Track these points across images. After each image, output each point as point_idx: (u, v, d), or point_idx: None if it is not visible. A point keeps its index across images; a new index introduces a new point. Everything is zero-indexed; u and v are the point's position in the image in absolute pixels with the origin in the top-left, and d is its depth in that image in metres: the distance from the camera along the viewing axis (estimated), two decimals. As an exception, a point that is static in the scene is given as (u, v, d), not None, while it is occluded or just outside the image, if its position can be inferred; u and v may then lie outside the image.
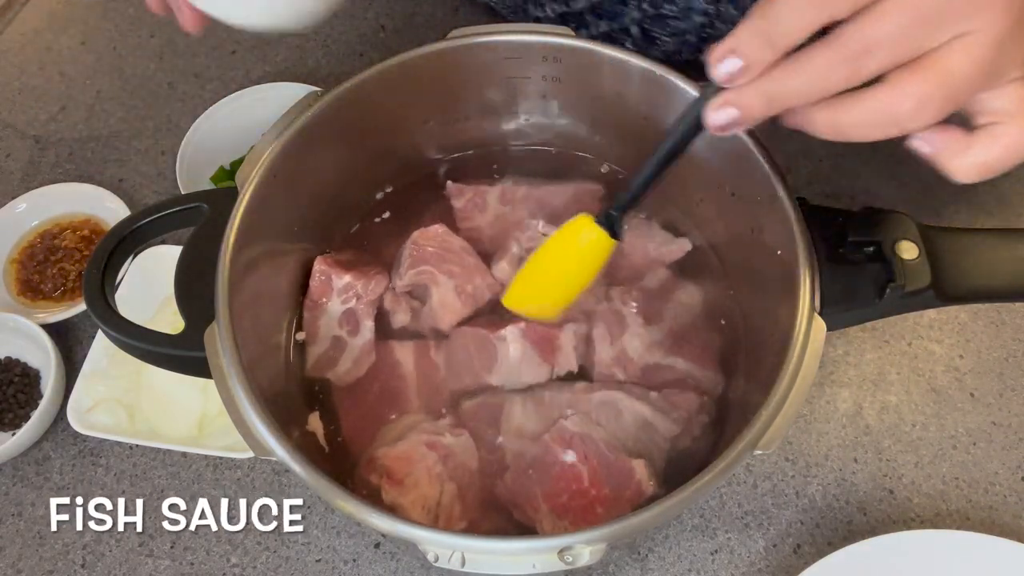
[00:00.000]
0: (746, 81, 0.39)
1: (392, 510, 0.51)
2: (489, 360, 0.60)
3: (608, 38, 0.77)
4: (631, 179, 0.49)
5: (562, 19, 0.79)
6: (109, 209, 0.79)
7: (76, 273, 0.76)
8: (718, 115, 0.41)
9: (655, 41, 0.77)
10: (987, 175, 0.41)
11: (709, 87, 0.41)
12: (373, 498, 0.54)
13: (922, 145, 0.41)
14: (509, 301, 0.57)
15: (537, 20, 0.80)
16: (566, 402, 0.59)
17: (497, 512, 0.56)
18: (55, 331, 0.72)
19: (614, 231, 0.52)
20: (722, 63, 0.39)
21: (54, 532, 0.65)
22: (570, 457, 0.56)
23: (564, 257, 0.54)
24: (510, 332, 0.60)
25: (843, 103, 0.39)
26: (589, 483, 0.55)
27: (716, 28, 0.74)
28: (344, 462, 0.58)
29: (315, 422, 0.60)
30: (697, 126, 0.43)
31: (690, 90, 0.58)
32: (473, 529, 0.56)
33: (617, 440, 0.57)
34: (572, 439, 0.56)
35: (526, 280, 0.56)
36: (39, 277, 0.76)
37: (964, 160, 0.41)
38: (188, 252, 0.54)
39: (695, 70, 0.60)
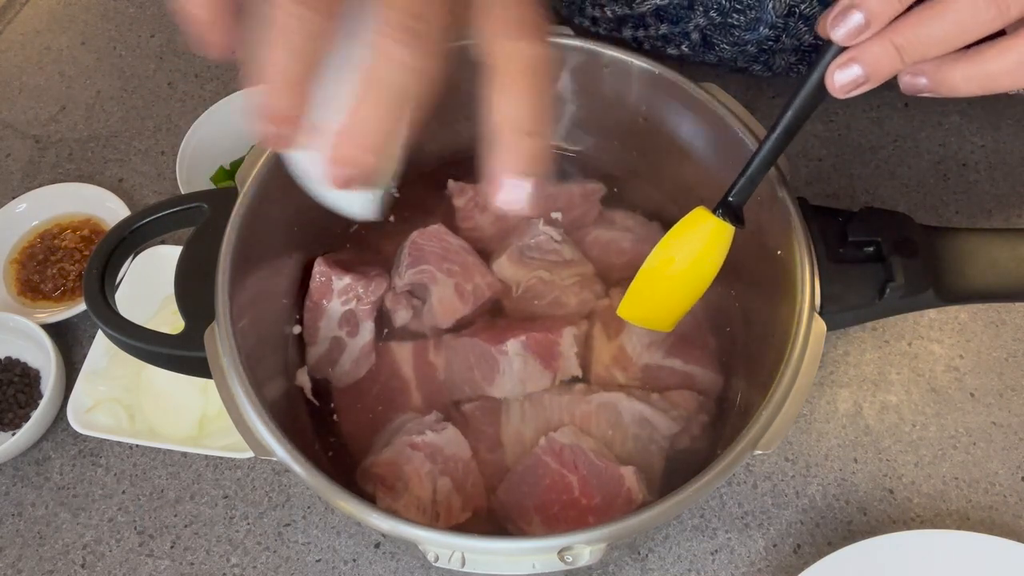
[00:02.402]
0: (872, 33, 0.36)
1: (390, 513, 0.51)
2: (491, 372, 0.60)
3: (665, 39, 0.75)
4: (748, 162, 0.47)
5: (620, 21, 0.77)
6: (109, 209, 0.79)
7: (76, 273, 0.76)
8: (843, 74, 0.38)
9: (713, 47, 0.74)
10: (988, 88, 0.38)
11: (831, 48, 0.39)
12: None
13: None
14: (625, 312, 0.54)
15: (594, 20, 0.78)
16: (566, 405, 0.59)
17: (491, 526, 0.56)
18: (55, 331, 0.72)
19: (736, 219, 0.49)
20: (843, 21, 0.36)
21: (54, 532, 0.65)
22: (559, 468, 0.56)
23: (685, 258, 0.51)
24: (511, 346, 0.60)
25: (989, 52, 0.36)
26: (580, 493, 0.55)
27: (781, 42, 0.71)
28: (344, 463, 0.58)
29: (302, 377, 0.60)
30: (820, 92, 0.40)
31: (690, 90, 0.58)
32: (480, 516, 0.56)
33: (609, 447, 0.57)
34: (562, 450, 0.56)
35: (643, 289, 0.54)
36: (39, 277, 0.76)
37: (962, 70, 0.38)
38: (188, 252, 0.54)
39: (744, 75, 0.59)
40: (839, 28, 0.37)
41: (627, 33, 0.77)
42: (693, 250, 0.51)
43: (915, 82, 0.39)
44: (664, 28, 0.74)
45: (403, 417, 0.59)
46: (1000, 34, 0.37)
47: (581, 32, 0.60)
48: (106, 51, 0.93)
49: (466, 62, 0.63)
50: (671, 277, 0.52)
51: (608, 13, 0.76)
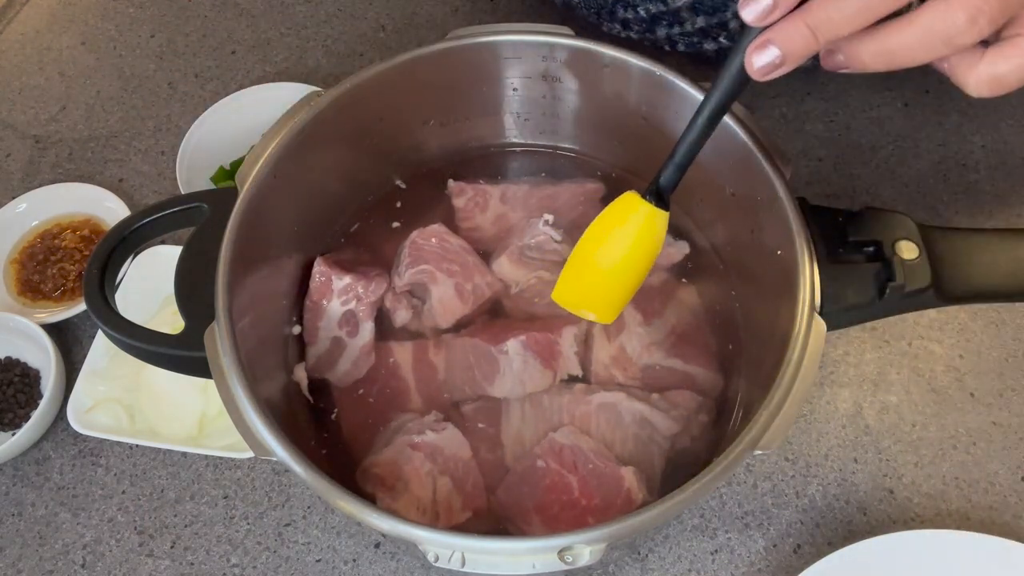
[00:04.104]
0: (781, 14, 0.38)
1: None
2: (491, 373, 0.60)
3: (702, 33, 0.74)
4: (676, 146, 0.47)
5: (653, 20, 0.75)
6: (109, 209, 0.79)
7: (76, 273, 0.76)
8: (760, 57, 0.39)
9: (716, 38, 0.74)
10: (1001, 90, 0.40)
11: (749, 32, 0.40)
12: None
13: (940, 59, 0.40)
14: (559, 297, 0.53)
15: (624, 23, 0.77)
16: (566, 405, 0.59)
17: (491, 526, 0.56)
18: (55, 331, 0.72)
19: (664, 204, 0.49)
20: (752, 2, 0.38)
21: (54, 532, 0.65)
22: (559, 468, 0.56)
23: (615, 240, 0.50)
24: (511, 345, 0.60)
25: (891, 28, 0.38)
26: (579, 493, 0.55)
27: None
28: (344, 463, 0.58)
29: (300, 372, 0.61)
30: (741, 77, 0.41)
31: (690, 89, 0.58)
32: (480, 516, 0.56)
33: (610, 447, 0.57)
34: (562, 451, 0.56)
35: (576, 271, 0.52)
36: (39, 277, 0.76)
37: (977, 72, 0.40)
38: (188, 252, 0.54)
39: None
40: (749, 9, 0.38)
41: (661, 32, 0.76)
42: (625, 235, 0.50)
43: (833, 59, 0.41)
44: (701, 21, 0.73)
45: (403, 417, 0.59)
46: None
47: (614, 40, 0.59)
48: (106, 51, 0.93)
49: (467, 62, 0.64)
50: (605, 262, 0.51)
51: (641, 12, 0.75)
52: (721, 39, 0.74)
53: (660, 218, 0.49)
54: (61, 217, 0.79)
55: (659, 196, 0.49)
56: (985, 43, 0.40)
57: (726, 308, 0.63)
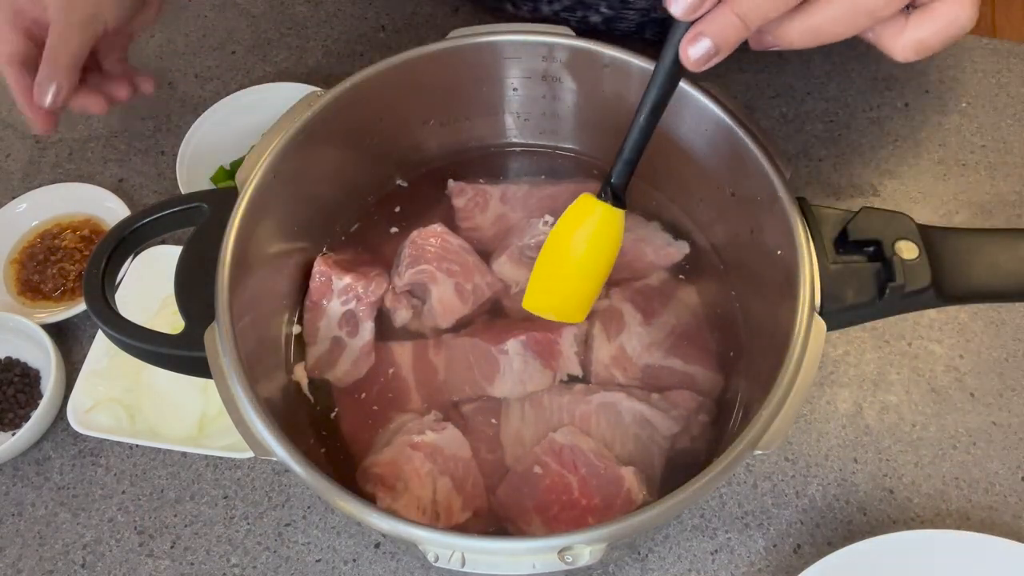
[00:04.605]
0: (709, 7, 0.39)
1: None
2: (491, 372, 0.60)
3: (583, 6, 0.77)
4: (623, 144, 0.48)
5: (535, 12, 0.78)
6: (109, 209, 0.79)
7: (76, 273, 0.76)
8: (694, 49, 0.40)
9: (623, 20, 0.76)
10: (925, 53, 0.42)
11: (679, 26, 0.41)
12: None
13: (864, 30, 0.42)
14: (529, 304, 0.54)
15: (514, 3, 0.79)
16: (566, 405, 0.59)
17: (491, 526, 0.56)
18: (55, 331, 0.72)
19: (619, 201, 0.51)
20: None
21: (54, 532, 0.65)
22: (559, 468, 0.56)
23: (576, 243, 0.52)
24: (511, 345, 0.60)
25: (816, 5, 0.40)
26: (579, 493, 0.55)
27: None
28: (344, 463, 0.58)
29: (300, 372, 0.61)
30: (676, 70, 0.42)
31: (689, 89, 0.58)
32: (480, 516, 0.56)
33: (610, 447, 0.57)
34: (561, 451, 0.56)
35: (542, 277, 0.54)
36: (39, 277, 0.76)
37: (901, 39, 0.42)
38: (188, 252, 0.54)
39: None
40: (676, 5, 0.39)
41: (545, 9, 0.78)
42: (584, 235, 0.52)
43: (761, 40, 0.42)
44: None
45: (403, 417, 0.59)
46: None
47: (614, 40, 0.60)
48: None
49: (467, 62, 0.64)
50: (569, 265, 0.53)
51: (549, 11, 0.77)
52: (603, 9, 0.75)
53: (616, 216, 0.51)
54: (61, 217, 0.79)
55: (614, 195, 0.50)
56: (905, 9, 0.42)
57: (726, 308, 0.63)
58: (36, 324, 0.70)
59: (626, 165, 0.49)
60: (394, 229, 0.68)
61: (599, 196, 0.51)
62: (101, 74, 0.72)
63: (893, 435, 0.66)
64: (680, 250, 0.65)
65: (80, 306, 0.73)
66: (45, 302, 0.75)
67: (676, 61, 0.42)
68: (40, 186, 0.81)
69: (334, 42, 0.91)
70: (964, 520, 0.63)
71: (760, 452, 0.47)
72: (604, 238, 0.52)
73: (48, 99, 0.65)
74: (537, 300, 0.54)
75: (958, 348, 0.70)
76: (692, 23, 0.40)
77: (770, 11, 0.39)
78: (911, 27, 0.42)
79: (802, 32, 0.41)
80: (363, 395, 0.61)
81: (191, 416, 0.67)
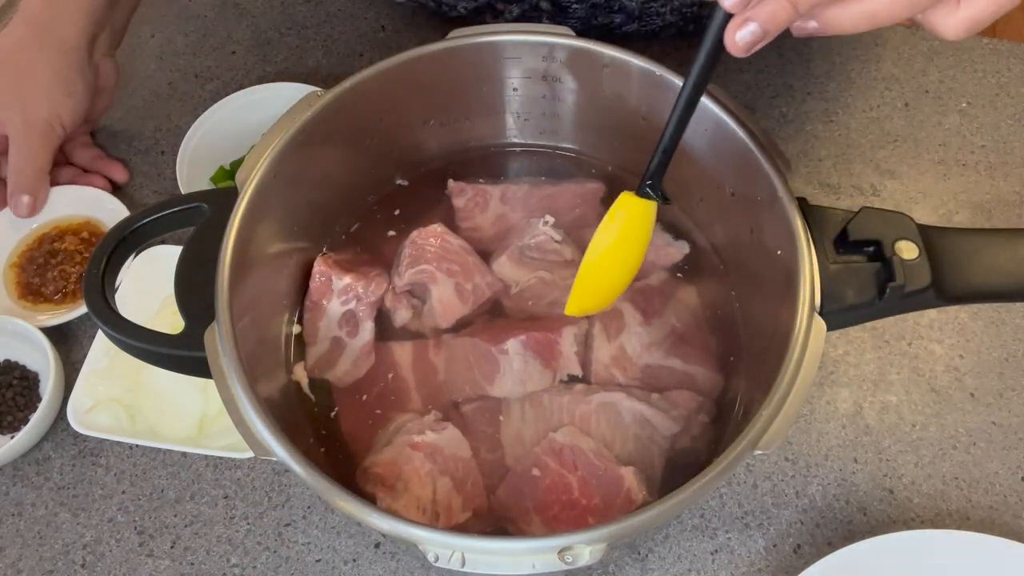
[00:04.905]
0: None
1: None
2: (491, 372, 0.60)
3: (524, 19, 0.77)
4: (660, 138, 0.49)
5: (476, 12, 0.78)
6: (109, 210, 0.79)
7: (77, 275, 0.76)
8: (742, 34, 0.39)
9: (567, 11, 0.76)
10: (976, 29, 0.42)
11: (719, 11, 0.40)
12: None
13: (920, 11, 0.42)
14: (572, 311, 0.56)
15: (459, 17, 0.79)
16: (566, 405, 0.59)
17: (491, 526, 0.56)
18: (55, 331, 0.72)
19: (659, 195, 0.52)
20: None
21: (54, 532, 0.65)
22: (559, 468, 0.56)
23: (617, 243, 0.54)
24: (511, 345, 0.60)
25: None
26: (579, 493, 0.55)
27: None
28: (344, 463, 0.58)
29: (300, 371, 0.61)
30: (716, 54, 0.42)
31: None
32: (480, 516, 0.56)
33: (610, 447, 0.57)
34: (561, 451, 0.56)
35: (586, 285, 0.56)
36: (40, 280, 0.76)
37: (954, 17, 0.42)
38: (188, 252, 0.54)
39: (610, 39, 0.61)
40: None
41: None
42: (624, 230, 0.54)
43: (805, 26, 0.41)
44: (515, 9, 0.76)
45: (403, 417, 0.59)
46: None
47: (613, 40, 0.61)
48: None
49: (467, 62, 0.64)
50: (609, 260, 0.54)
51: (461, 10, 0.77)
52: (543, 21, 0.75)
53: (649, 208, 0.53)
54: (60, 220, 0.79)
55: (651, 186, 0.52)
56: None
57: (726, 308, 0.63)
58: (35, 327, 0.70)
59: (664, 154, 0.50)
60: (393, 230, 0.68)
61: (639, 192, 0.52)
62: (72, 168, 0.80)
63: (893, 435, 0.66)
64: (680, 250, 0.65)
65: (82, 308, 0.73)
66: (46, 305, 0.75)
67: (717, 46, 0.41)
68: (40, 187, 0.81)
69: (334, 42, 0.91)
70: (964, 520, 0.63)
71: (760, 452, 0.47)
72: (637, 231, 0.54)
73: (24, 211, 0.75)
74: (580, 305, 0.56)
75: (958, 348, 0.70)
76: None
77: None
78: (965, 4, 0.41)
79: (856, 16, 0.40)
80: (363, 395, 0.61)
81: (191, 416, 0.67)
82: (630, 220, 0.53)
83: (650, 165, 0.51)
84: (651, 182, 0.52)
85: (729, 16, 0.40)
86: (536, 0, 0.75)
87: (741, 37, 0.40)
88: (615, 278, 0.55)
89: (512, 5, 0.76)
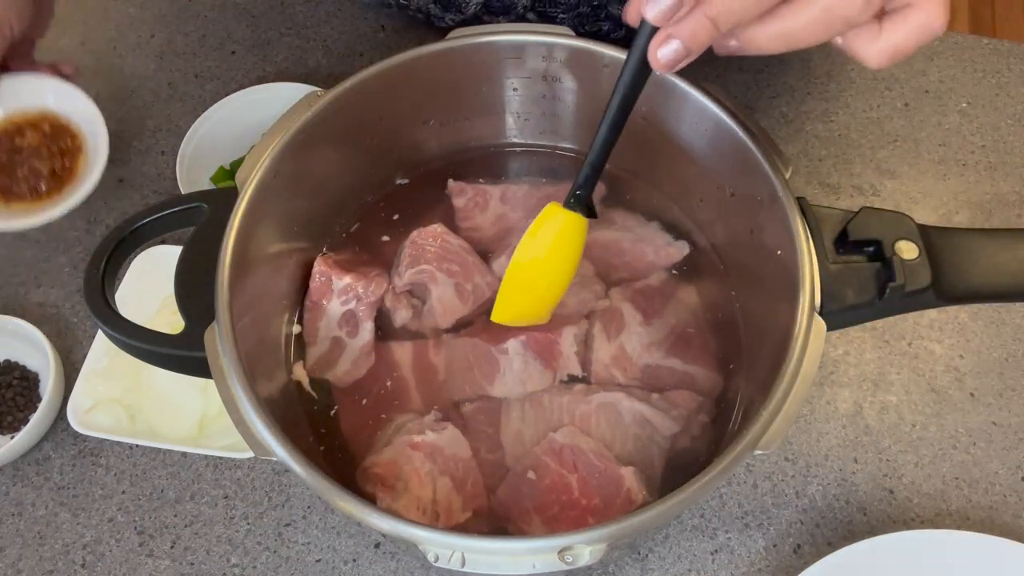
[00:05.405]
0: (686, 13, 0.39)
1: (390, 513, 0.51)
2: (491, 372, 0.60)
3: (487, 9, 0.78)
4: (589, 151, 0.49)
5: (463, 24, 0.77)
6: (65, 99, 0.73)
7: (49, 170, 0.71)
8: (664, 51, 0.40)
9: (554, 20, 0.77)
10: (898, 58, 0.42)
11: (645, 27, 0.41)
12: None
13: (836, 37, 0.42)
14: (498, 317, 0.57)
15: (447, 27, 0.79)
16: (566, 405, 0.59)
17: (491, 526, 0.56)
18: (55, 331, 0.72)
19: (588, 210, 0.52)
20: (655, 2, 0.39)
21: (54, 532, 0.65)
22: (559, 468, 0.56)
23: (545, 255, 0.54)
24: (512, 345, 0.60)
25: (789, 10, 0.39)
26: (579, 494, 0.55)
27: None
28: (344, 463, 0.58)
29: (299, 371, 0.61)
30: (642, 71, 0.42)
31: (690, 90, 0.58)
32: (480, 516, 0.56)
33: (610, 447, 0.57)
34: (561, 451, 0.56)
35: (511, 291, 0.56)
36: (9, 180, 0.71)
37: (876, 45, 0.42)
38: (188, 252, 0.54)
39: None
40: (651, 6, 0.39)
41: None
42: (548, 242, 0.54)
43: (726, 44, 0.42)
44: (502, 21, 0.76)
45: (403, 417, 0.59)
46: None
47: (614, 41, 0.61)
48: (106, 51, 0.93)
49: (467, 62, 0.64)
50: (536, 272, 0.55)
51: (448, 22, 0.78)
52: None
53: (581, 224, 0.53)
54: (13, 114, 0.73)
55: (582, 204, 0.52)
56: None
57: (726, 308, 0.63)
58: (35, 327, 0.70)
59: (591, 173, 0.51)
60: (393, 231, 0.68)
61: (566, 204, 0.53)
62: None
63: (893, 435, 0.66)
64: (680, 250, 0.65)
65: (61, 208, 0.69)
66: (20, 204, 0.70)
67: (643, 62, 0.42)
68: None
69: (334, 42, 0.91)
70: (964, 520, 0.63)
71: (760, 452, 0.47)
72: (567, 243, 0.54)
73: None
74: (507, 312, 0.57)
75: (958, 348, 0.70)
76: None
77: (743, 15, 0.39)
78: (886, 33, 0.41)
79: (772, 37, 0.40)
80: (363, 395, 0.61)
81: (191, 416, 0.67)
82: (559, 233, 0.53)
83: (578, 178, 0.51)
84: (579, 193, 0.52)
85: (653, 31, 0.40)
86: (523, 12, 0.75)
87: (663, 54, 0.40)
88: (544, 290, 0.56)
89: (499, 18, 0.76)
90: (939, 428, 0.67)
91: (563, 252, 0.54)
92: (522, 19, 0.77)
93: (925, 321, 0.71)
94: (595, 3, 0.75)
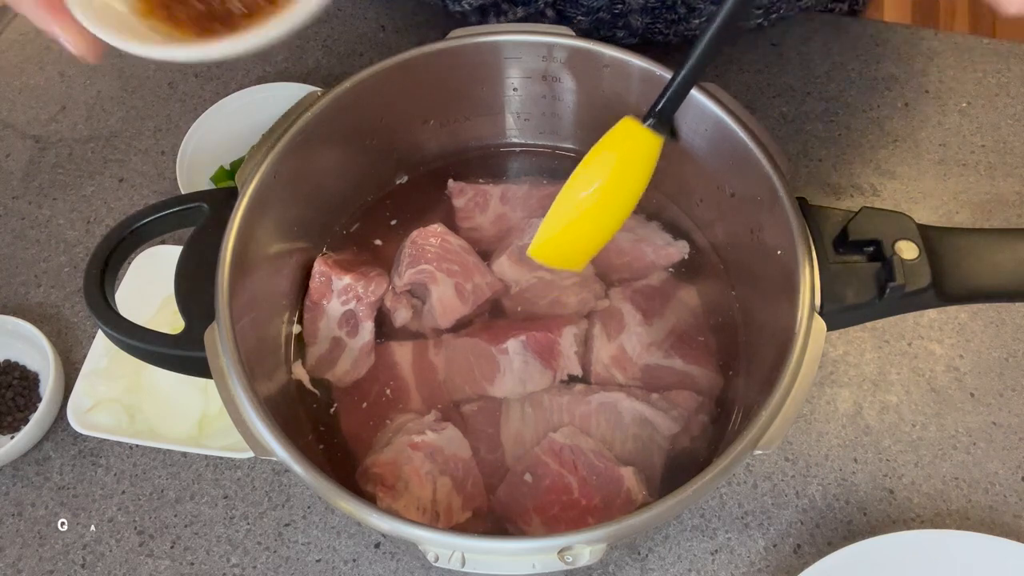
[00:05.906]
0: None
1: (391, 513, 0.51)
2: (491, 372, 0.60)
3: (527, 21, 0.77)
4: (684, 61, 0.43)
5: (481, 11, 0.78)
6: None
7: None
8: None
9: (571, 21, 0.76)
10: None
11: None
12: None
13: None
14: (536, 252, 0.50)
15: (461, 13, 0.79)
16: (566, 405, 0.59)
17: (491, 526, 0.56)
18: (55, 332, 0.72)
19: (667, 129, 0.45)
20: None
21: (54, 532, 0.65)
22: (559, 468, 0.56)
23: (609, 182, 0.46)
24: (512, 345, 0.60)
25: None
26: (579, 494, 0.55)
27: (626, 3, 0.73)
28: (344, 463, 0.58)
29: (299, 371, 0.61)
30: None
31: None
32: (480, 516, 0.56)
33: (610, 447, 0.57)
34: (561, 451, 0.56)
35: (557, 221, 0.48)
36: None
37: None
38: (188, 252, 0.54)
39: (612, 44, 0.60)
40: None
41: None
42: (615, 165, 0.46)
43: None
44: (520, 11, 0.75)
45: (403, 417, 0.59)
46: None
47: (615, 41, 0.60)
48: (106, 51, 0.93)
49: (467, 62, 0.64)
50: (593, 201, 0.47)
51: (465, 5, 0.76)
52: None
53: (654, 144, 0.46)
54: None
55: (662, 118, 0.45)
56: None
57: (726, 308, 0.63)
58: (34, 327, 0.70)
59: (686, 80, 0.43)
60: (394, 228, 0.68)
61: (645, 120, 0.46)
62: None
63: (893, 435, 0.66)
64: (680, 250, 0.65)
65: (235, 46, 0.46)
66: (173, 31, 0.50)
67: None
68: (40, 186, 0.81)
69: (334, 42, 0.91)
70: (964, 520, 0.63)
71: (760, 452, 0.47)
72: (640, 175, 0.46)
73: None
74: (544, 248, 0.50)
75: (958, 348, 0.70)
76: None
77: None
78: None
79: None
80: (363, 395, 0.61)
81: (191, 416, 0.67)
82: (629, 155, 0.45)
83: (668, 89, 0.44)
84: (665, 106, 0.44)
85: None
86: (541, 7, 0.75)
87: None
88: (596, 224, 0.48)
89: (517, 8, 0.76)
90: (939, 428, 0.67)
91: (630, 181, 0.46)
92: (540, 13, 0.77)
93: (925, 321, 0.71)
94: (616, 11, 0.75)
